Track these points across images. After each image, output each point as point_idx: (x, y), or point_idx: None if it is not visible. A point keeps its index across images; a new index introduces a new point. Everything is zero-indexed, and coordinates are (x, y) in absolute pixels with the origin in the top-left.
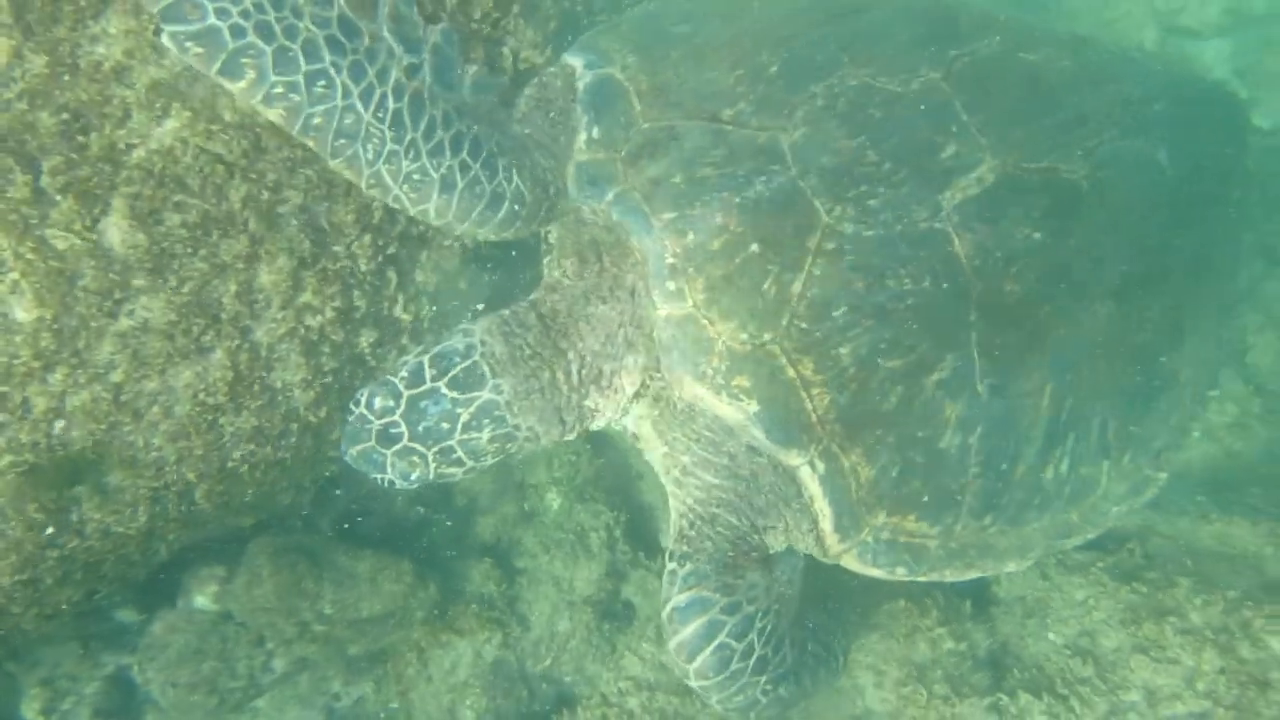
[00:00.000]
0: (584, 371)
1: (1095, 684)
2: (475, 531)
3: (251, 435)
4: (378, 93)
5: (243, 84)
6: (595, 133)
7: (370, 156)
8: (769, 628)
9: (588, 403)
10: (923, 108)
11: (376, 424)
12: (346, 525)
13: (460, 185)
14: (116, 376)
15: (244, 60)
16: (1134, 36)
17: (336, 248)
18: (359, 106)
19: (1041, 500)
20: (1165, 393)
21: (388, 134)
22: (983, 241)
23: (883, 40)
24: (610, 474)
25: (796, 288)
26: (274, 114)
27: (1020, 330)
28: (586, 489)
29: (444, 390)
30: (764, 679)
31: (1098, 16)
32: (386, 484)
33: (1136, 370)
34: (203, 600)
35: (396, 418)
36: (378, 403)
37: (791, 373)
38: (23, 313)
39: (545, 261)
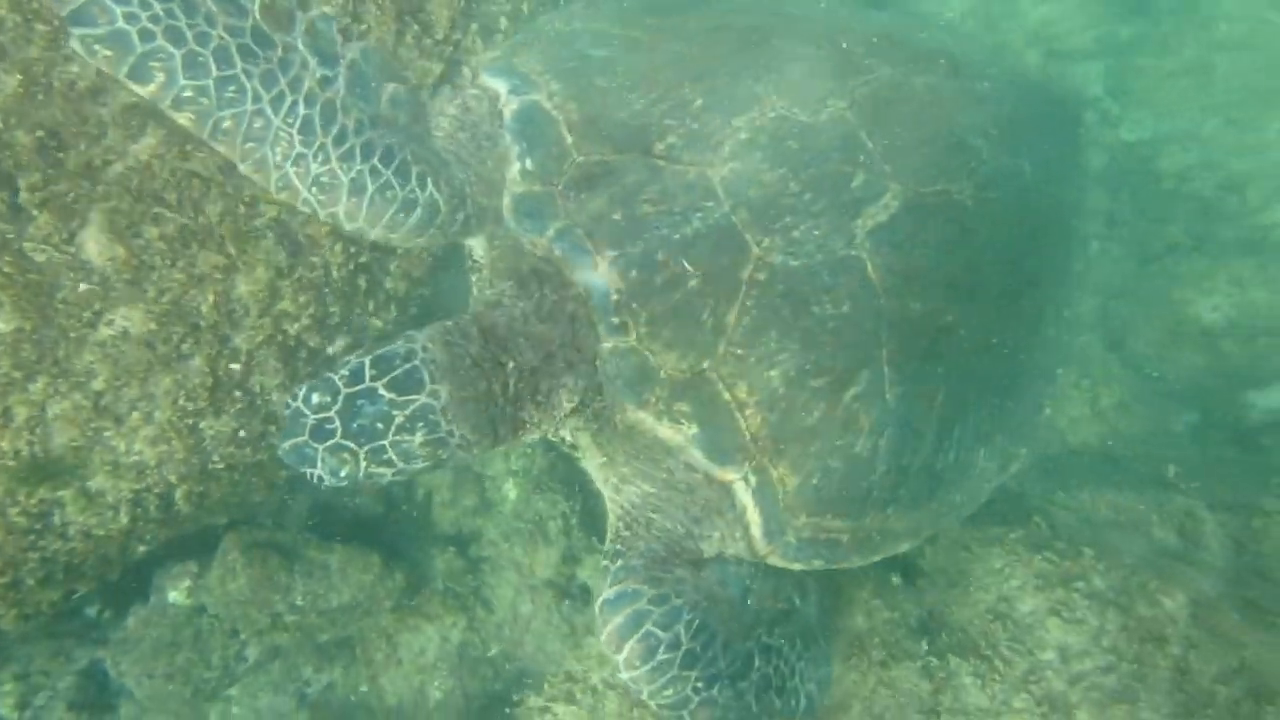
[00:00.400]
0: (521, 385)
1: (1015, 645)
2: (436, 522)
3: (231, 438)
4: (289, 99)
5: (151, 87)
6: (529, 164)
7: (278, 159)
8: (697, 622)
9: (522, 414)
10: (833, 138)
11: (311, 419)
12: (314, 520)
13: (370, 189)
14: (97, 384)
15: (153, 64)
16: (1019, 59)
17: (312, 258)
18: (269, 111)
19: (932, 486)
20: (1024, 377)
21: (296, 138)
22: (890, 265)
23: (790, 68)
24: (564, 465)
25: (731, 318)
26: (183, 118)
27: (921, 341)
28: (542, 479)
29: (381, 391)
30: (694, 675)
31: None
32: (316, 480)
33: (1005, 362)
34: (176, 595)
35: (332, 414)
36: (315, 398)
37: (728, 396)
38: (2, 324)
39: (474, 279)
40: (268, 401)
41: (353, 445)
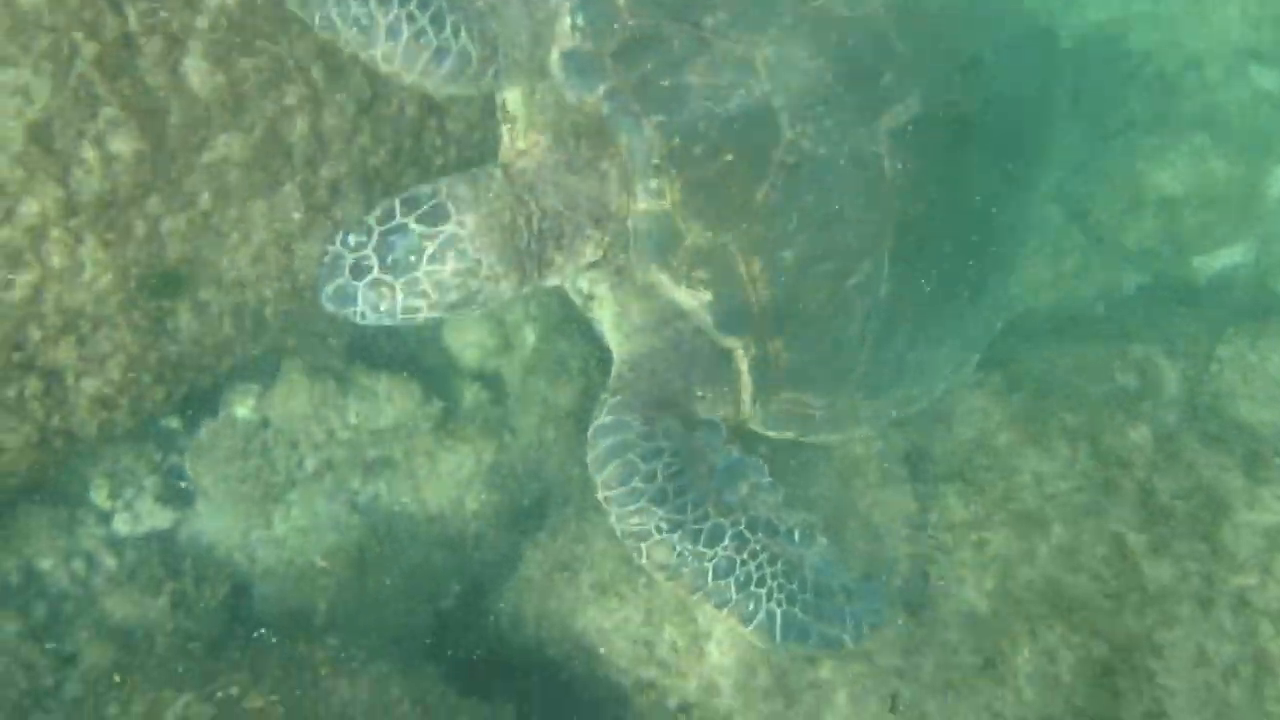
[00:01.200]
0: (544, 224)
1: (994, 470)
2: (461, 361)
3: (318, 260)
4: None
5: None
6: (580, 20)
7: None
8: (676, 469)
9: (547, 254)
10: (868, 35)
11: (349, 258)
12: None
13: (405, 34)
14: (203, 205)
15: None
16: None
17: (390, 96)
18: None
19: (897, 378)
20: (987, 289)
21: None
22: (902, 165)
23: None
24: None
25: (758, 196)
26: None
27: (916, 241)
28: (562, 326)
29: (412, 225)
30: (660, 513)
31: None
32: (359, 317)
33: (975, 273)
34: (243, 410)
35: (368, 250)
36: (351, 239)
37: (742, 269)
38: (120, 144)
39: (505, 130)
40: None
41: (389, 278)
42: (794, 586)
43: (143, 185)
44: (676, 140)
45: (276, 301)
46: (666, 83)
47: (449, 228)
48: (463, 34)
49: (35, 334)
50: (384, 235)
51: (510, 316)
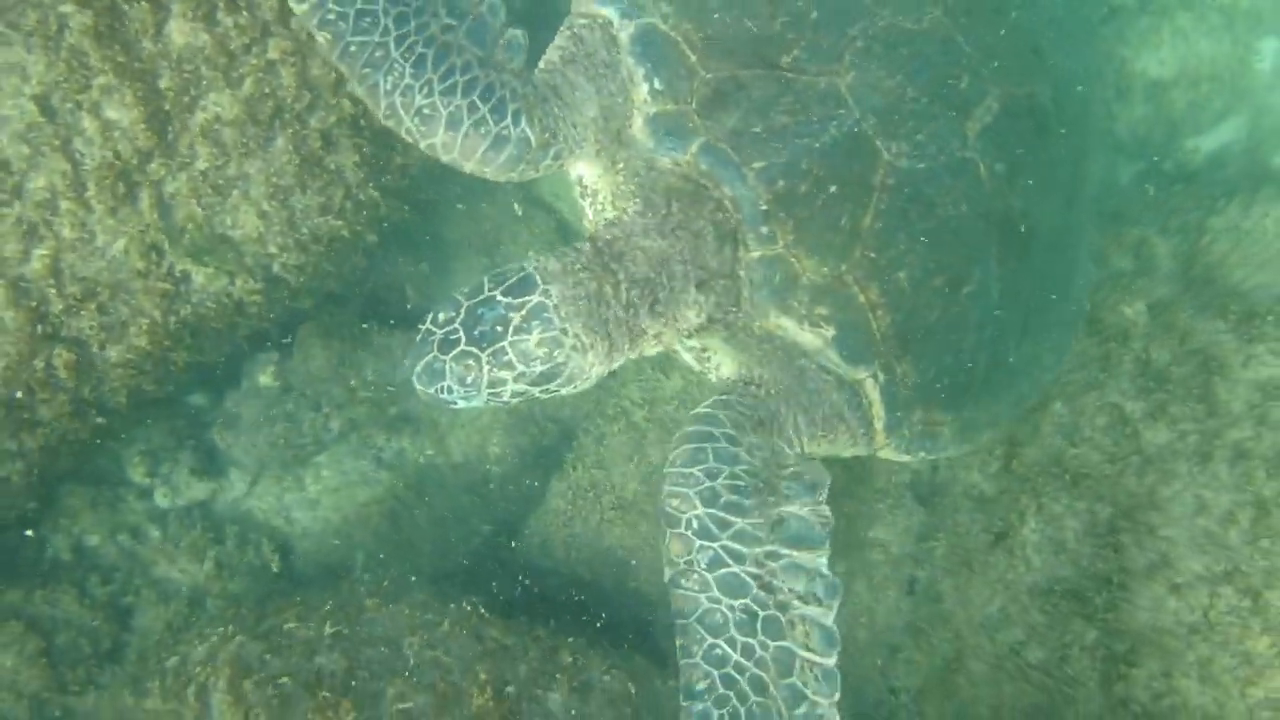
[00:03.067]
0: (633, 292)
1: None
2: None
3: (320, 209)
4: (411, 38)
5: (304, 8)
6: (657, 84)
7: (388, 88)
8: (741, 486)
9: (639, 322)
10: (936, 43)
11: (439, 334)
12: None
13: (465, 124)
14: (201, 164)
15: None
16: None
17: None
18: (391, 45)
19: (1010, 380)
20: (1077, 273)
21: (408, 71)
22: (996, 165)
23: None
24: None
25: (865, 222)
26: (320, 36)
27: (1018, 239)
28: None
29: (499, 297)
30: (702, 511)
31: None
32: (447, 393)
33: (1066, 259)
34: (265, 379)
35: (456, 325)
36: (441, 316)
37: (862, 299)
38: (116, 111)
39: (587, 203)
40: (343, 177)
41: (475, 350)
42: (751, 704)
43: (142, 150)
44: (781, 183)
45: (282, 255)
46: (759, 129)
47: (535, 297)
48: (522, 121)
49: (57, 305)
50: (471, 309)
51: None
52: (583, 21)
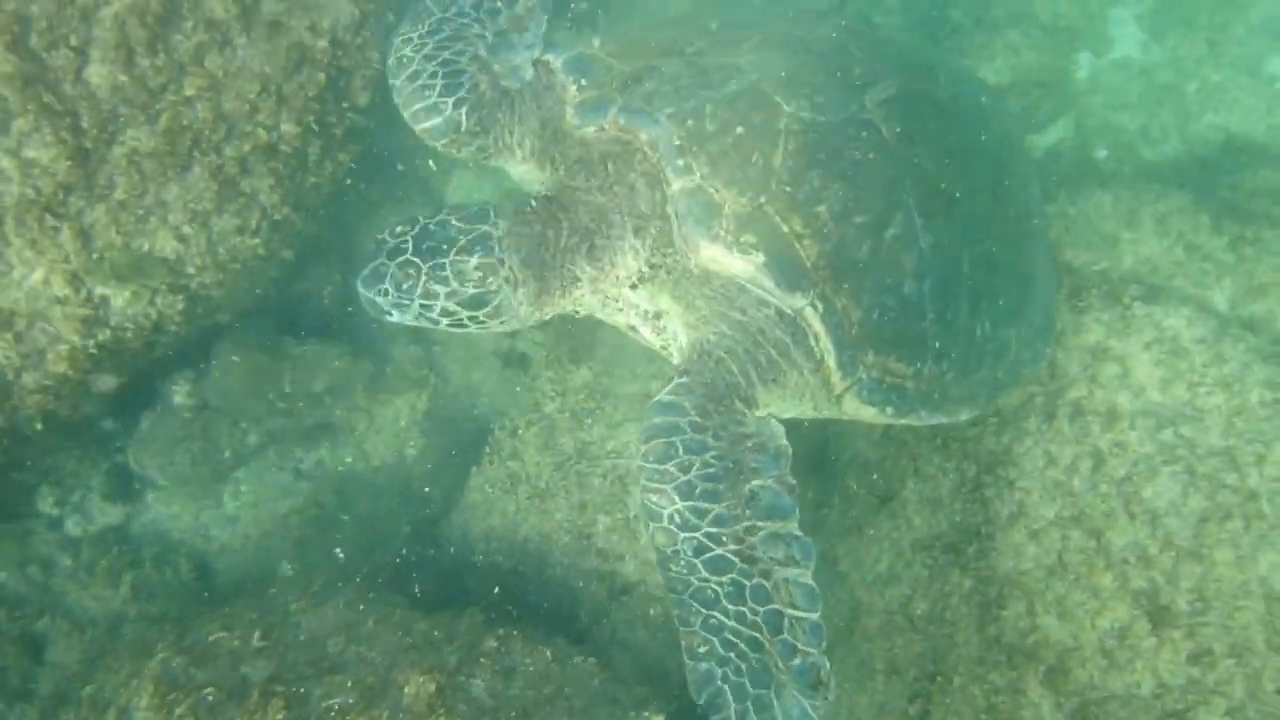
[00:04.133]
0: (572, 240)
1: None
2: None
3: (237, 230)
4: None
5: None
6: (584, 82)
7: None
8: (713, 472)
9: (573, 268)
10: (831, 46)
11: (391, 242)
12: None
13: (418, 83)
14: (119, 195)
15: None
16: None
17: (291, 74)
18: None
19: (978, 356)
20: (1034, 284)
21: (424, 51)
22: (898, 128)
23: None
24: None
25: (777, 160)
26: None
27: (938, 200)
28: None
29: (453, 221)
30: (680, 504)
31: None
32: (383, 297)
33: (1017, 258)
34: (180, 398)
35: (407, 237)
36: (398, 228)
37: (785, 228)
38: (35, 151)
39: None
40: (259, 200)
41: (418, 261)
42: (750, 660)
43: (61, 185)
44: (690, 122)
45: (201, 275)
46: (668, 88)
47: (484, 227)
48: (463, 108)
49: None
50: (425, 226)
51: None
52: (533, 69)
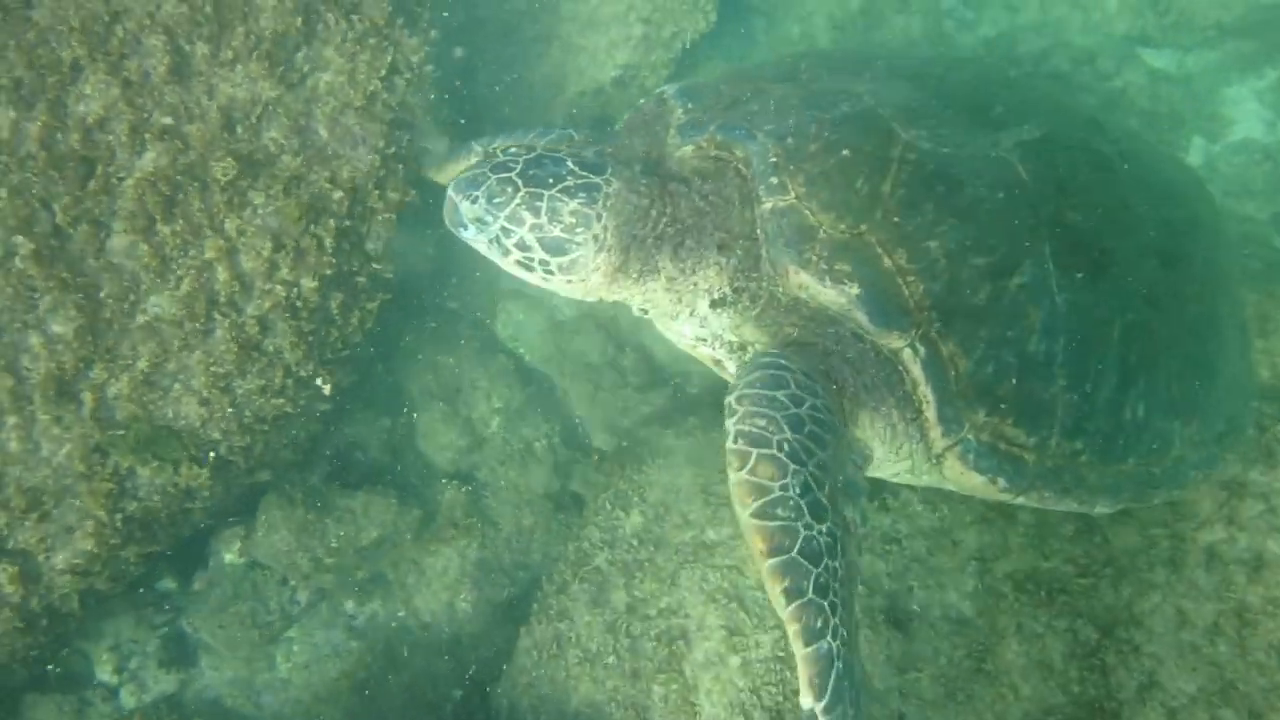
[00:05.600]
0: (669, 228)
1: None
2: (435, 464)
3: (261, 391)
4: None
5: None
6: (690, 105)
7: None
8: (822, 419)
9: (657, 257)
10: (968, 86)
11: (499, 158)
12: (335, 476)
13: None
14: (143, 364)
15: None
16: None
17: (304, 230)
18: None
19: (1126, 441)
20: (1217, 379)
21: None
22: (1041, 171)
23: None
24: (539, 399)
25: (886, 187)
26: None
27: (1086, 254)
28: (524, 411)
29: (569, 162)
30: (790, 434)
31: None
32: (460, 219)
33: (1189, 343)
34: (230, 556)
35: (519, 158)
36: (513, 149)
37: (888, 261)
38: (59, 326)
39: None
40: (282, 358)
41: (519, 182)
42: (850, 628)
43: (85, 358)
44: (790, 140)
45: (227, 440)
46: (771, 108)
47: (597, 178)
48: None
49: (1, 519)
50: (539, 155)
51: (476, 412)
52: (643, 100)
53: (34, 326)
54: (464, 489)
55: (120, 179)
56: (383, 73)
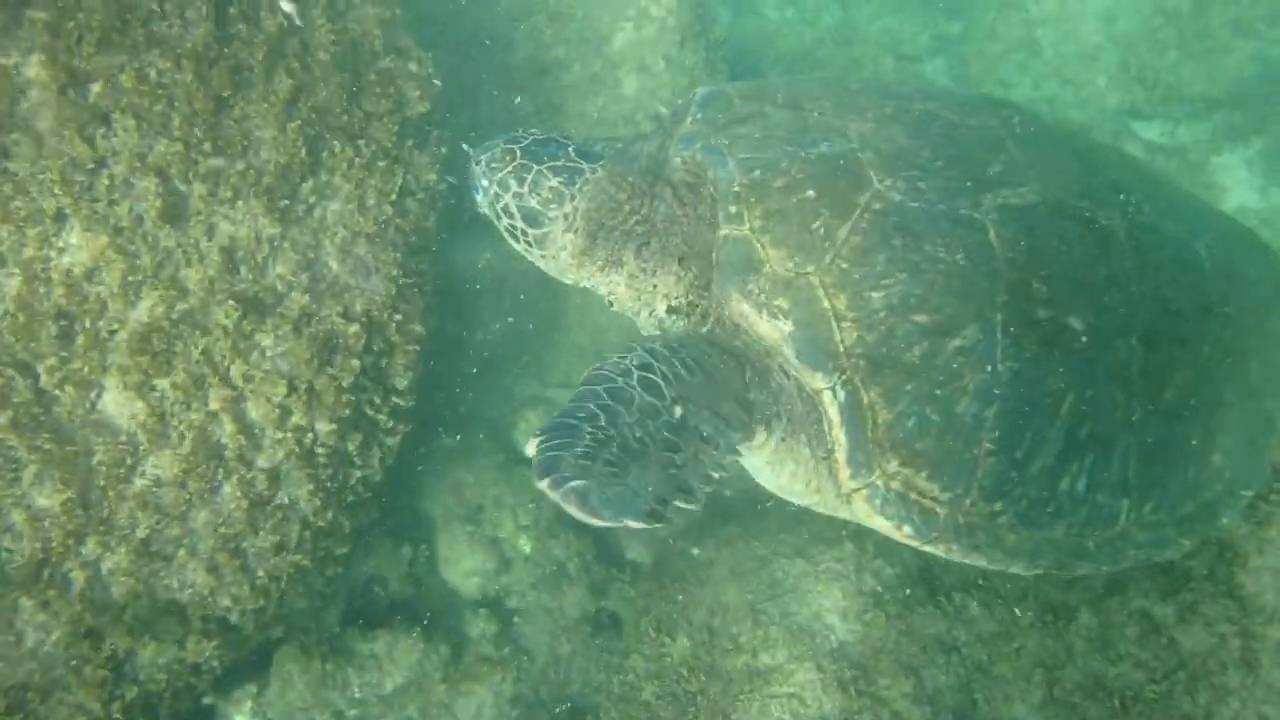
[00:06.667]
0: (638, 227)
1: None
2: (462, 591)
3: (275, 549)
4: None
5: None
6: (698, 116)
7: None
8: (691, 363)
9: (623, 251)
10: (979, 136)
11: (518, 133)
12: (352, 616)
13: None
14: (141, 533)
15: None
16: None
17: (319, 371)
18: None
19: (1056, 510)
20: (1193, 464)
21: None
22: (1016, 239)
23: (949, 98)
24: (567, 514)
25: (842, 233)
26: None
27: (1043, 329)
28: (552, 528)
29: (569, 148)
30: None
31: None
32: (475, 176)
33: (1161, 426)
34: (241, 718)
35: (532, 138)
36: (534, 130)
37: (826, 304)
38: (45, 499)
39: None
40: (298, 510)
41: (519, 153)
42: (630, 441)
43: (74, 533)
44: (756, 173)
45: (238, 605)
46: (758, 136)
47: (584, 164)
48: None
49: None
50: (551, 137)
51: (502, 533)
52: (678, 99)
53: (16, 502)
54: (494, 618)
55: (112, 332)
56: (393, 196)
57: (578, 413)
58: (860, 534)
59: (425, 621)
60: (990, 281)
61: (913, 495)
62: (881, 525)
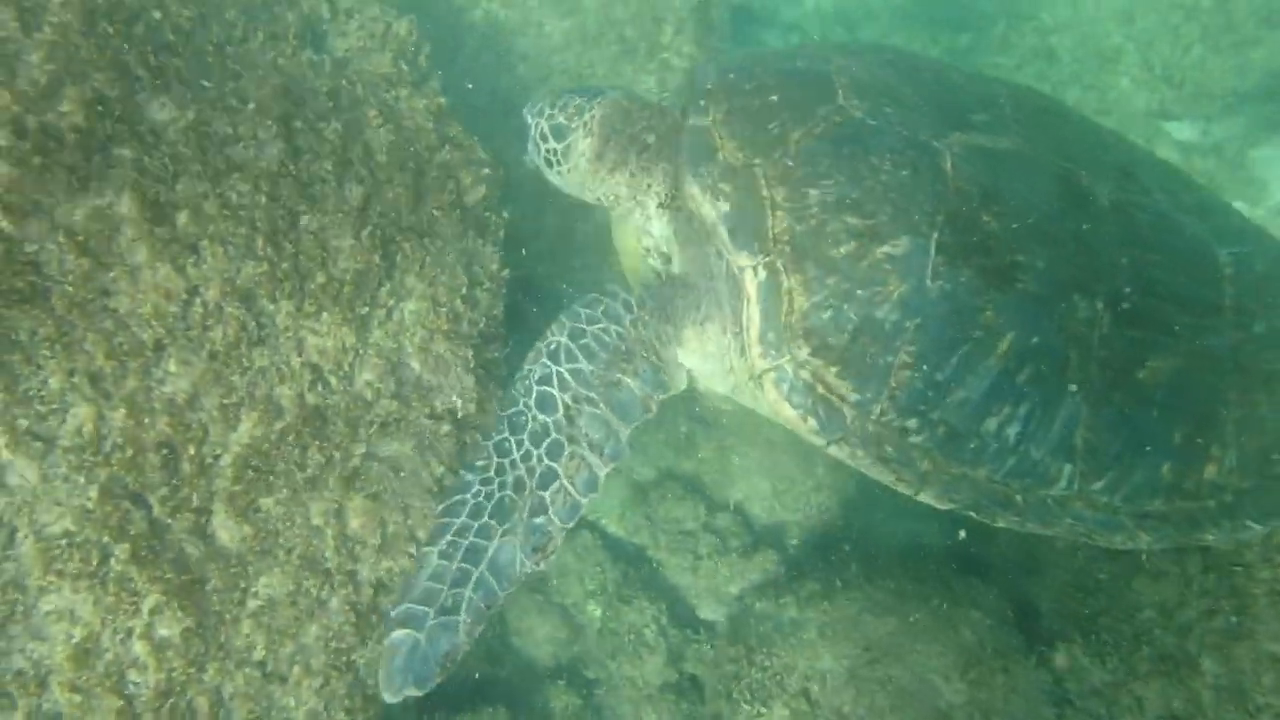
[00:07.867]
0: (644, 134)
1: (1112, 613)
2: (538, 662)
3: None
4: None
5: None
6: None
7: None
8: (607, 342)
9: (628, 155)
10: (974, 93)
11: (576, 89)
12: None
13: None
14: (258, 654)
15: None
16: None
17: (407, 475)
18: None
19: (979, 448)
20: (1170, 462)
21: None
22: (974, 173)
23: (975, 75)
24: (635, 576)
25: (795, 135)
26: None
27: (985, 260)
28: (621, 591)
29: (609, 87)
30: (564, 340)
31: None
32: (533, 110)
33: (1127, 405)
34: None
35: (577, 90)
36: (585, 88)
37: (765, 193)
38: (166, 629)
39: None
40: None
41: (561, 91)
42: (507, 495)
43: (196, 661)
44: (731, 76)
45: (353, 716)
46: (748, 59)
47: (608, 88)
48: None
49: None
50: (583, 89)
51: (570, 599)
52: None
53: (139, 634)
54: (573, 693)
55: (216, 457)
56: (463, 291)
57: (478, 467)
58: (946, 583)
59: (507, 699)
60: (934, 202)
61: (820, 388)
62: (789, 415)
